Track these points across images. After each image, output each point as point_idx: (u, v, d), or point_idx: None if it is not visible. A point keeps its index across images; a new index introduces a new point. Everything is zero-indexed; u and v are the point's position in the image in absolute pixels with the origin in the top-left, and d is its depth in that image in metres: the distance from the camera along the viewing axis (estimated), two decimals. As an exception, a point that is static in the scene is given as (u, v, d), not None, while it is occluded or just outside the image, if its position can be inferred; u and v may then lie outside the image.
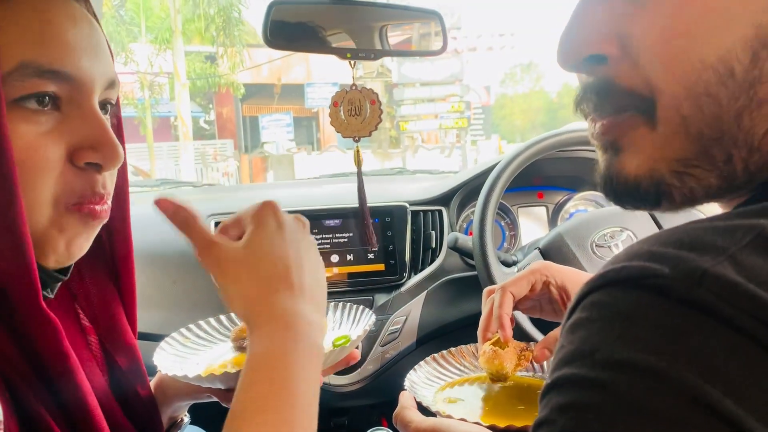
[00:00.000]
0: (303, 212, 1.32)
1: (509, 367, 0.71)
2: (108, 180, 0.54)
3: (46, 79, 0.48)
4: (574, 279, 0.76)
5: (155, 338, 0.73)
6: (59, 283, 0.55)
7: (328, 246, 1.33)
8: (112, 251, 0.62)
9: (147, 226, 1.44)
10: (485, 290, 0.81)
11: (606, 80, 0.39)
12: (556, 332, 0.74)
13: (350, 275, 1.33)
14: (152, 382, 0.72)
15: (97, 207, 0.52)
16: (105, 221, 0.55)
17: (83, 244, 0.53)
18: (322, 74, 15.43)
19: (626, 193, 0.40)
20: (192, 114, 13.33)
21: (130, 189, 0.66)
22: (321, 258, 0.58)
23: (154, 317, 1.19)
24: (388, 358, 1.27)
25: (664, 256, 0.31)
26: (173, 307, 1.25)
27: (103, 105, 0.55)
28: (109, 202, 0.55)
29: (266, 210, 0.55)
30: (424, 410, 0.66)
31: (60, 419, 0.48)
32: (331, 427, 1.39)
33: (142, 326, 0.75)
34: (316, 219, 1.34)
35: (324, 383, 1.25)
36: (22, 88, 0.47)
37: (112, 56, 0.56)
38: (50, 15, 0.49)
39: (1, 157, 0.44)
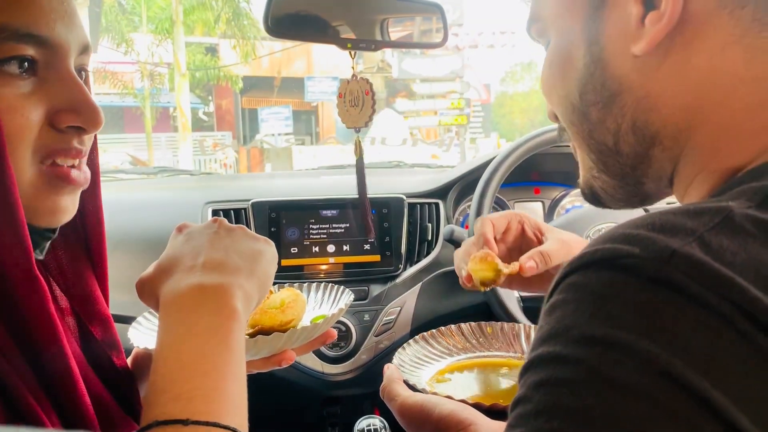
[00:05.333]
0: (300, 201, 1.34)
1: (501, 266, 0.69)
2: (86, 140, 0.55)
3: (24, 43, 0.48)
4: (546, 224, 0.80)
5: (131, 321, 0.72)
6: (48, 243, 0.56)
7: (325, 236, 1.33)
8: (84, 227, 0.62)
9: (138, 209, 1.45)
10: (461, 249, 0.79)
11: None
12: (544, 246, 0.74)
13: (346, 265, 1.33)
14: (128, 360, 0.71)
15: (73, 173, 0.53)
16: (84, 186, 0.56)
17: (68, 206, 0.54)
18: (323, 68, 15.40)
19: (585, 197, 0.56)
20: (191, 105, 13.28)
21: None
22: (259, 242, 0.59)
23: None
24: (381, 348, 1.28)
25: (635, 238, 0.32)
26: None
27: (78, 71, 0.55)
28: (85, 167, 0.56)
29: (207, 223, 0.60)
30: (412, 388, 0.65)
31: (40, 388, 0.47)
32: (323, 416, 1.39)
33: (122, 309, 0.75)
34: (313, 209, 1.35)
35: (317, 372, 1.26)
36: (1, 52, 0.47)
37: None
38: None
39: None
